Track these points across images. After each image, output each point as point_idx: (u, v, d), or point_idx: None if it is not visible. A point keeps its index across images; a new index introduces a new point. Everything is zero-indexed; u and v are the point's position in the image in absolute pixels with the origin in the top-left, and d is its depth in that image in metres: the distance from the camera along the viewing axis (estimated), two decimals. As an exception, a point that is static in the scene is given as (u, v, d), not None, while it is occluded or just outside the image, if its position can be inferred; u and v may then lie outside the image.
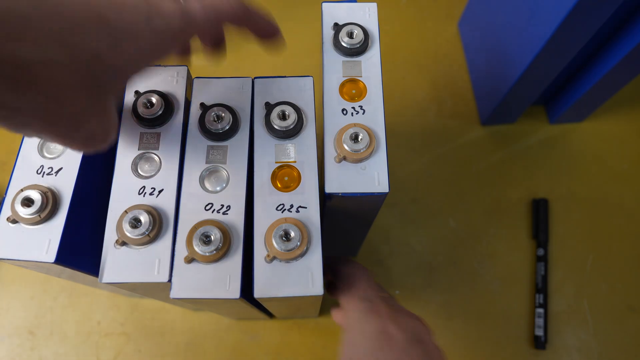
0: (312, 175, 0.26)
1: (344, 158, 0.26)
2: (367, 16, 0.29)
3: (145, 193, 0.26)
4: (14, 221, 0.25)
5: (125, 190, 0.26)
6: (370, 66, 0.28)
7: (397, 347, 0.27)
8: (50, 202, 0.25)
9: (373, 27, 0.29)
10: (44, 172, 0.26)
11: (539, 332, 0.44)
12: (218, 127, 0.26)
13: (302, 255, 0.25)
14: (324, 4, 0.30)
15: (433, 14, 0.57)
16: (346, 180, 0.26)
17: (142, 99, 0.27)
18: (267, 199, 0.26)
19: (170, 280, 0.24)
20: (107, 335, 0.44)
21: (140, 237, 0.24)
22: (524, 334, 0.45)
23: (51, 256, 0.24)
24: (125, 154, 0.27)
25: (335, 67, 0.28)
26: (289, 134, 0.27)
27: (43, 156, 0.26)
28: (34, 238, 0.24)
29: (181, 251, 0.25)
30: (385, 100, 0.28)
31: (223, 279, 0.24)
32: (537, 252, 0.47)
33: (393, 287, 0.46)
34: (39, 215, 0.24)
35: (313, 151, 0.27)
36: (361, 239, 0.41)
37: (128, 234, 0.24)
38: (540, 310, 0.45)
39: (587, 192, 0.50)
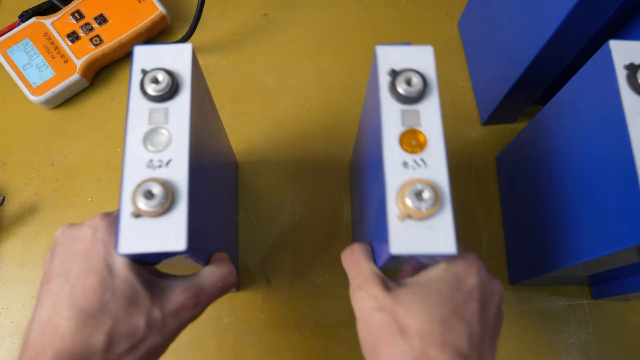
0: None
1: (409, 216, 0.26)
2: (424, 60, 0.29)
3: None
4: (138, 215, 0.25)
5: None
6: (430, 115, 0.28)
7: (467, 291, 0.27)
8: (170, 193, 0.25)
9: (431, 73, 0.29)
10: (154, 166, 0.26)
11: (538, 332, 0.44)
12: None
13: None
14: (377, 47, 0.29)
15: (433, 13, 0.57)
16: (411, 240, 0.25)
17: None
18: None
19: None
20: (108, 335, 0.44)
21: None
22: (524, 333, 0.45)
23: (181, 244, 0.24)
24: None
25: (393, 116, 0.28)
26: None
27: (148, 150, 0.26)
28: (160, 230, 0.25)
29: None
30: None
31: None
32: (536, 253, 0.47)
33: (393, 287, 0.46)
34: (162, 207, 0.25)
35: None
36: None
37: None
38: (540, 310, 0.45)
39: (587, 192, 0.50)
